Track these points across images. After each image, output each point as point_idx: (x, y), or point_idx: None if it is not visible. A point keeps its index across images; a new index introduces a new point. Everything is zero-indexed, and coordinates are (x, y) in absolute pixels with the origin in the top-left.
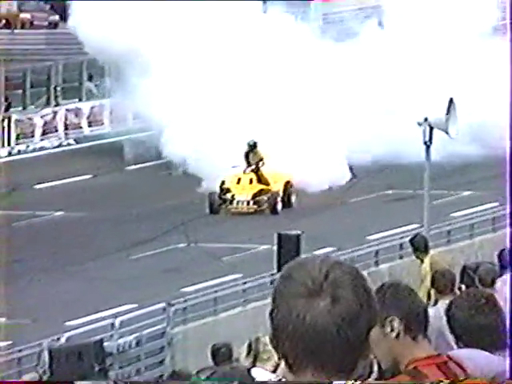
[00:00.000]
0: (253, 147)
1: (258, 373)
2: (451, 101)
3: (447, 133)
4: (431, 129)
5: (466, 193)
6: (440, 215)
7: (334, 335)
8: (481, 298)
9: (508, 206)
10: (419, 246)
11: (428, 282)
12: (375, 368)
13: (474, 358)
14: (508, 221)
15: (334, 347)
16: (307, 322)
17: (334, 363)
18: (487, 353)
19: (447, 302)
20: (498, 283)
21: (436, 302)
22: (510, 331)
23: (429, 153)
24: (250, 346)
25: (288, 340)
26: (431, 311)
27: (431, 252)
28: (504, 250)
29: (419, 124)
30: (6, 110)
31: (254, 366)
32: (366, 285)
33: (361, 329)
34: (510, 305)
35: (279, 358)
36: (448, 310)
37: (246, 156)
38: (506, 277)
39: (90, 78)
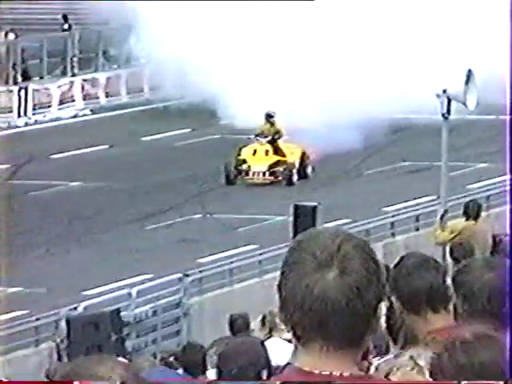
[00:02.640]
0: (270, 118)
1: (274, 343)
2: (470, 71)
3: (465, 105)
4: (449, 100)
5: (482, 165)
6: (456, 187)
7: (343, 306)
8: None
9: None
10: (471, 213)
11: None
12: (391, 345)
13: None
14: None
15: (342, 319)
16: (316, 293)
17: (341, 335)
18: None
19: None
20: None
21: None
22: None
23: (446, 124)
24: (263, 318)
25: (296, 311)
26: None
27: (461, 223)
28: None
29: (437, 96)
30: (24, 80)
31: (270, 336)
32: (376, 259)
33: (369, 301)
34: (509, 294)
35: (288, 330)
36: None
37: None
38: None
39: (104, 53)
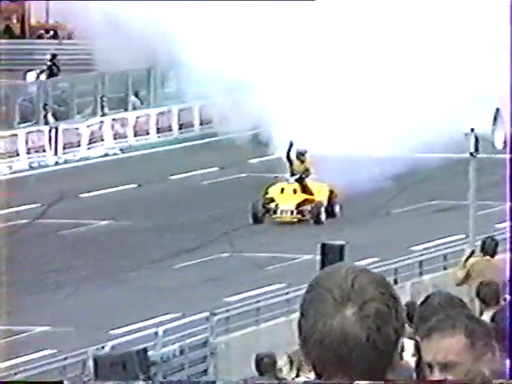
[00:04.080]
0: (301, 155)
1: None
2: (497, 110)
3: (493, 144)
4: (477, 139)
5: (510, 203)
6: (484, 226)
7: (363, 342)
8: None
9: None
10: (488, 250)
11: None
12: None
13: None
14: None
15: (362, 354)
16: (334, 329)
17: (362, 371)
18: None
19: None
20: None
21: (481, 313)
22: (510, 332)
23: (474, 163)
24: (289, 357)
25: (316, 348)
26: None
27: (473, 259)
28: None
29: (466, 134)
30: (55, 120)
31: (297, 376)
32: (393, 292)
33: (389, 336)
34: (510, 305)
35: (303, 371)
36: (492, 320)
37: (290, 162)
38: None
39: (136, 94)
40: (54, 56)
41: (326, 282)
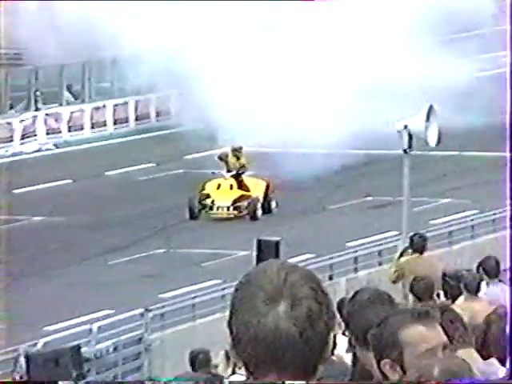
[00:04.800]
0: (237, 152)
1: (238, 379)
2: (431, 107)
3: (426, 142)
4: (410, 136)
5: (445, 200)
6: (419, 223)
7: (296, 338)
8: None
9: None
10: (416, 246)
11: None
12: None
13: None
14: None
15: (296, 350)
16: (268, 326)
17: (296, 366)
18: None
19: None
20: (483, 291)
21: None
22: (510, 334)
23: (408, 160)
24: (226, 353)
25: (249, 345)
26: None
27: (405, 258)
28: (489, 257)
29: (398, 131)
30: None
31: (234, 373)
32: (323, 288)
33: (321, 331)
34: (510, 309)
35: (239, 367)
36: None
37: (226, 160)
38: (493, 285)
39: (69, 89)
40: None
41: (257, 279)
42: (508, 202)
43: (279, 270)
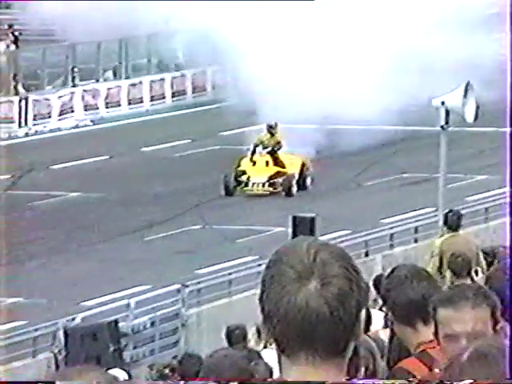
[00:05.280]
0: (271, 128)
1: (270, 354)
2: (468, 84)
3: (464, 118)
4: (447, 112)
5: (481, 177)
6: (454, 199)
7: (327, 316)
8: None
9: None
10: (451, 224)
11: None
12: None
13: None
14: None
15: (326, 328)
16: (298, 305)
17: (326, 344)
18: None
19: None
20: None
21: (452, 285)
22: (511, 335)
23: (445, 137)
24: (258, 329)
25: (280, 324)
26: None
27: (440, 239)
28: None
29: (436, 108)
30: (25, 90)
31: (265, 347)
32: (355, 265)
33: (352, 309)
34: (510, 298)
35: (270, 343)
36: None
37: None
38: None
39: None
40: (10, 26)
41: (287, 257)
42: None
43: (309, 247)
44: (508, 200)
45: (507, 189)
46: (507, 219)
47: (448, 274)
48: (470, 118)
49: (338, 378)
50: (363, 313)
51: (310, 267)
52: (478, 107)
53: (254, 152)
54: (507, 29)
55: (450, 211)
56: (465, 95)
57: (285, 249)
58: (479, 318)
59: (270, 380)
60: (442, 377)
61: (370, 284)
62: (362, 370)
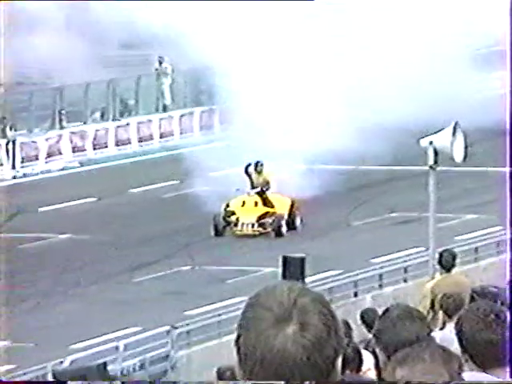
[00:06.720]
0: (258, 168)
1: None
2: (456, 124)
3: (452, 158)
4: (436, 153)
5: (470, 216)
6: (444, 238)
7: (304, 361)
8: (490, 313)
9: (508, 231)
10: (445, 264)
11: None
12: None
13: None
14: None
15: (303, 373)
16: (276, 348)
17: None
18: (492, 377)
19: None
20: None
21: (444, 325)
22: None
23: (434, 176)
24: (219, 371)
25: (256, 367)
26: (438, 334)
27: (436, 277)
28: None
29: (424, 148)
30: (14, 130)
31: None
32: (333, 312)
33: (329, 355)
34: (510, 312)
35: None
36: (457, 324)
37: (249, 176)
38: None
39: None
40: None
41: (266, 300)
42: None
43: (288, 292)
44: (505, 237)
45: (497, 228)
46: (507, 255)
47: (441, 314)
48: (458, 157)
49: None
50: (339, 360)
51: (289, 311)
52: (466, 147)
53: None
54: (507, 67)
55: (445, 250)
56: (453, 134)
57: (264, 292)
58: (437, 375)
59: None
60: None
61: (359, 322)
62: None
